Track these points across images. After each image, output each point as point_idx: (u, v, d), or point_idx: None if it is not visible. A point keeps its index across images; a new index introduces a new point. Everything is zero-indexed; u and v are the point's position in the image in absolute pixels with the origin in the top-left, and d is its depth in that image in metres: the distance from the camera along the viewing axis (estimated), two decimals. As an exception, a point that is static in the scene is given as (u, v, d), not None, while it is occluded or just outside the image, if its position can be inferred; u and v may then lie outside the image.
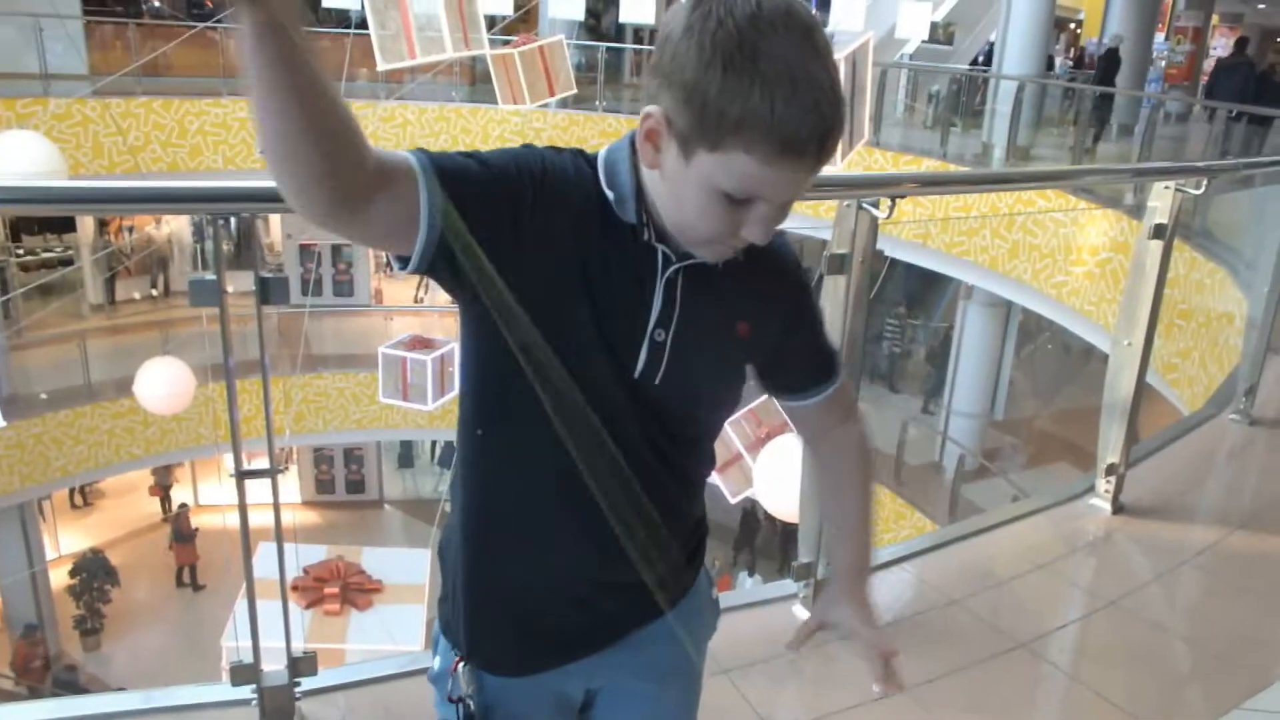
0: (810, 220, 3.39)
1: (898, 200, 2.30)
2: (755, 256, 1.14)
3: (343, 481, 16.73)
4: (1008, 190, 9.33)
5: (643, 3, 12.29)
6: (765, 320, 1.21)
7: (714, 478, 5.62)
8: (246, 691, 2.12)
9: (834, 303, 2.42)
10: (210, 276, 1.79)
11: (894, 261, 13.74)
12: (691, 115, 0.99)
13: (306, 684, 2.17)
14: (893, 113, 13.54)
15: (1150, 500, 3.47)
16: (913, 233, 11.20)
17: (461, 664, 1.28)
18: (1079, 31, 24.76)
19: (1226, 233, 7.65)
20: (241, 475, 1.98)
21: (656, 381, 1.13)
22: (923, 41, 14.72)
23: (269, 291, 1.84)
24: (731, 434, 5.57)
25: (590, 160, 1.12)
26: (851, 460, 1.36)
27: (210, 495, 15.33)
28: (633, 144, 1.10)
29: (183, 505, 14.52)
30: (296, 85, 0.87)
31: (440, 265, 1.03)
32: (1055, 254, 10.00)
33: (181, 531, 13.64)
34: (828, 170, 1.09)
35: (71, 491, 14.64)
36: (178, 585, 13.73)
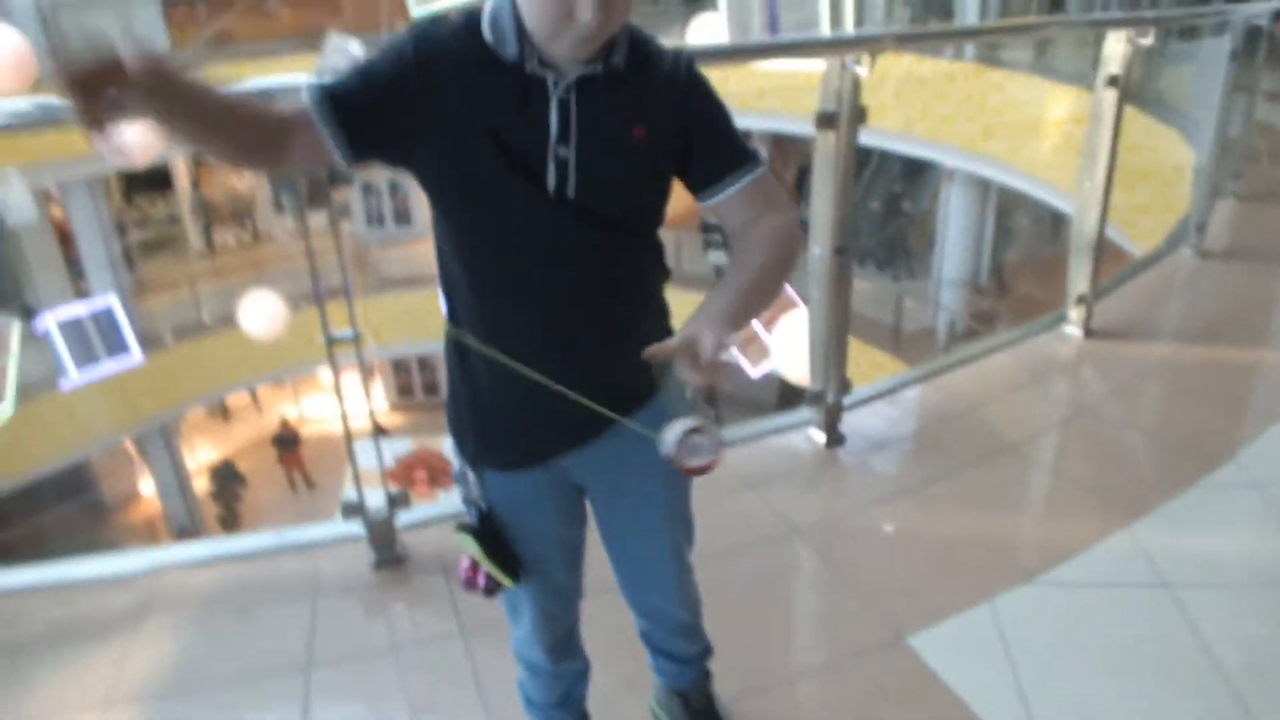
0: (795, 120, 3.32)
1: (877, 57, 2.24)
2: (643, 69, 1.13)
3: (420, 386, 16.94)
4: (978, 40, 9.06)
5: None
6: (660, 121, 1.14)
7: (735, 355, 5.65)
8: (359, 528, 2.20)
9: (825, 155, 2.39)
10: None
11: (885, 154, 13.50)
12: None
13: (404, 518, 2.24)
14: (874, 14, 13.07)
15: (1117, 325, 3.45)
16: (896, 124, 10.93)
17: (469, 472, 1.31)
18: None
19: (1180, 99, 7.40)
20: (330, 341, 2.01)
21: (571, 195, 1.11)
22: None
23: (335, 174, 1.85)
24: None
25: (474, 16, 1.10)
26: (764, 236, 1.18)
27: (311, 408, 15.61)
28: None
29: (282, 419, 14.74)
30: (193, 130, 1.03)
31: (367, 158, 1.12)
32: (1025, 132, 9.73)
33: (284, 438, 13.87)
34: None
35: (222, 407, 14.94)
36: (291, 489, 14.01)
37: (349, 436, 2.19)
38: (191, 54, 10.19)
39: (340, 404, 2.10)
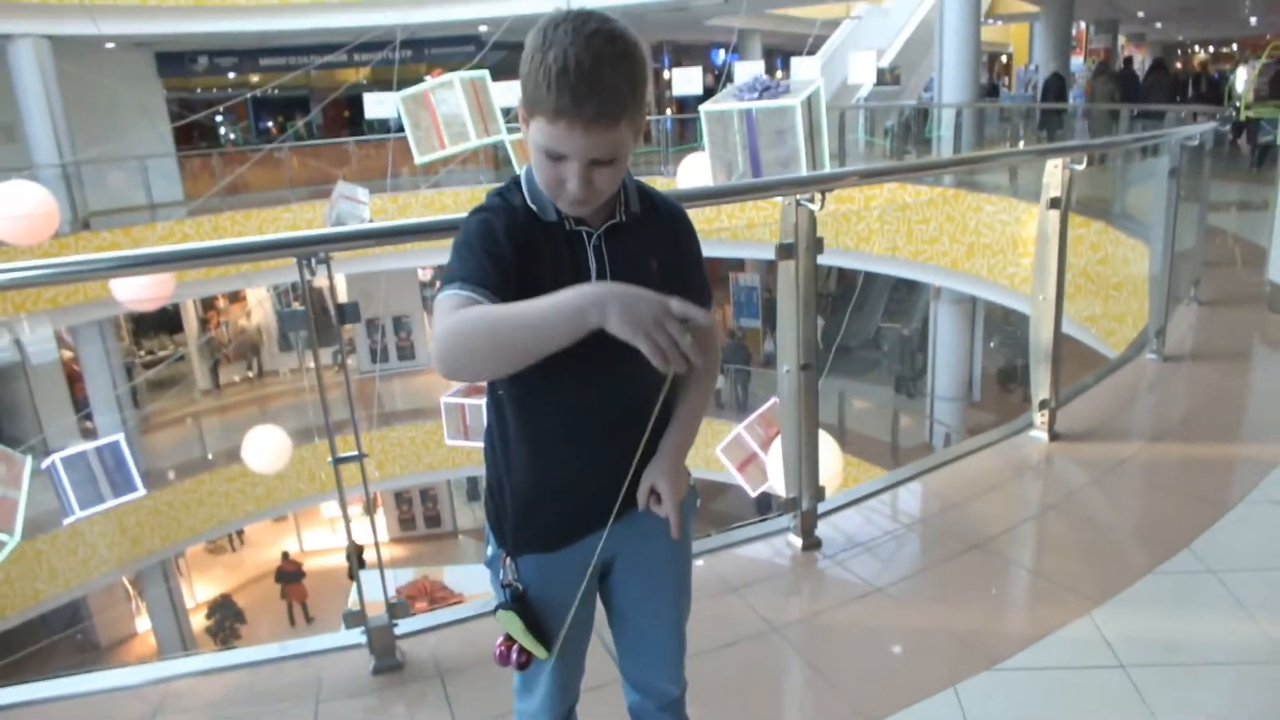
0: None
1: (827, 194, 2.52)
2: (651, 215, 1.40)
3: (421, 518, 16.99)
4: (913, 177, 9.64)
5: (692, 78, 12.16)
6: (665, 254, 1.41)
7: (737, 477, 5.80)
8: (359, 636, 2.35)
9: (786, 282, 2.64)
10: (300, 309, 2.02)
11: (873, 275, 13.94)
12: (522, 98, 1.26)
13: (403, 626, 2.39)
14: (855, 148, 13.75)
15: (1082, 428, 3.64)
16: (883, 247, 11.38)
17: (507, 558, 1.49)
18: (1008, 62, 24.92)
19: (1143, 213, 7.80)
20: (337, 461, 2.21)
21: None
22: (874, 85, 14.93)
23: (345, 314, 2.09)
24: (746, 437, 5.76)
25: (508, 192, 1.36)
26: (698, 381, 1.47)
27: (313, 541, 15.61)
28: None
29: (284, 552, 14.76)
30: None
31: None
32: (1005, 249, 10.14)
33: (287, 572, 13.86)
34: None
35: (230, 538, 14.97)
36: (290, 624, 13.89)
37: (352, 554, 2.36)
38: (204, 203, 10.68)
39: (345, 516, 2.28)
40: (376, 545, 2.36)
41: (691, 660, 2.16)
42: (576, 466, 1.42)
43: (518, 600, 1.48)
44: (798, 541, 2.84)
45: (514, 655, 1.48)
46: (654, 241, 1.41)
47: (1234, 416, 3.87)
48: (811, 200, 2.55)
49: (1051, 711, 2.10)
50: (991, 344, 14.45)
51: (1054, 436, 3.53)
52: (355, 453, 2.23)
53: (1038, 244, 3.46)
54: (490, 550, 1.53)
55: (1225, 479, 3.21)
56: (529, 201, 1.34)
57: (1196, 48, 33.15)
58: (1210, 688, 2.15)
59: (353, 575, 2.32)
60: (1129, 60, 14.54)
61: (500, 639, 1.49)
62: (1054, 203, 3.33)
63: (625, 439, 1.37)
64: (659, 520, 1.41)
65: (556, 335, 1.13)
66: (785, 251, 2.62)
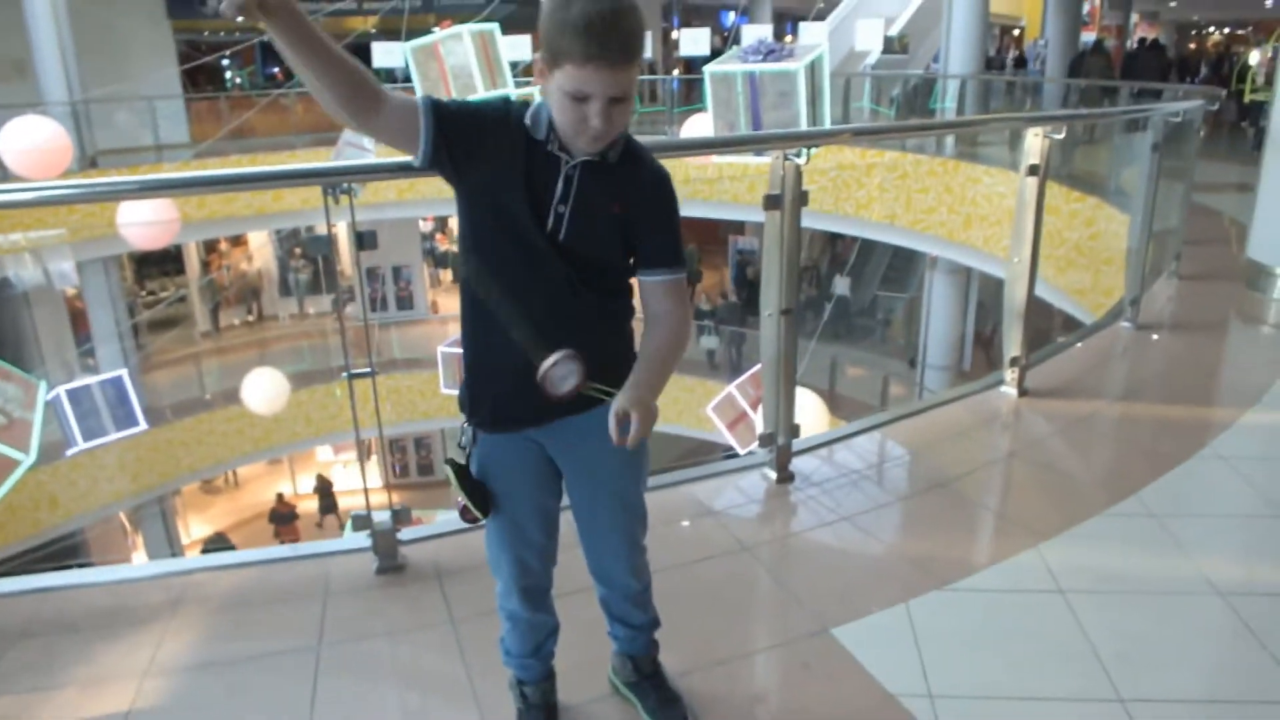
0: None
1: (812, 150, 2.70)
2: (631, 164, 1.59)
3: (415, 465, 17.27)
4: (875, 142, 10.02)
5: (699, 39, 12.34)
6: (633, 205, 1.58)
7: (726, 435, 6.01)
8: (364, 539, 2.57)
9: (771, 232, 2.84)
10: (323, 234, 2.22)
11: (872, 243, 14.10)
12: (545, 51, 1.46)
13: (406, 533, 2.62)
14: (860, 115, 13.83)
15: (1050, 386, 3.86)
16: (881, 214, 11.54)
17: (466, 423, 1.72)
18: (1020, 35, 24.86)
19: (1133, 188, 7.96)
20: (351, 376, 2.42)
21: (562, 238, 1.56)
22: (882, 53, 14.98)
23: (363, 241, 2.28)
24: (737, 396, 5.96)
25: (521, 109, 1.57)
26: (667, 328, 1.62)
27: (306, 485, 15.88)
28: None
29: (279, 494, 15.07)
30: (306, 55, 1.40)
31: (439, 163, 1.56)
32: (1001, 221, 10.29)
33: (280, 514, 14.15)
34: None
35: (225, 478, 15.28)
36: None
37: (361, 448, 2.56)
38: (211, 146, 10.80)
39: (353, 412, 2.49)
40: (383, 446, 2.57)
41: (669, 571, 2.42)
42: (510, 360, 1.58)
43: (465, 461, 1.72)
44: (773, 475, 3.06)
45: (463, 510, 1.72)
46: (624, 188, 1.59)
47: (1196, 382, 4.09)
48: (798, 155, 2.73)
49: (991, 626, 2.33)
50: (988, 322, 14.65)
51: (1023, 392, 3.74)
52: (366, 367, 2.43)
53: (1016, 209, 3.64)
54: (463, 419, 1.75)
55: (1180, 436, 3.42)
56: (526, 120, 1.56)
57: (1212, 29, 33.02)
58: (1139, 612, 2.37)
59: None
60: (1143, 40, 14.53)
61: (459, 498, 1.73)
62: (1032, 170, 3.51)
63: (558, 348, 1.53)
64: (601, 430, 1.51)
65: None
66: (772, 202, 2.81)
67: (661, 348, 1.62)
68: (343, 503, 14.78)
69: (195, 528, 14.83)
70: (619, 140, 1.57)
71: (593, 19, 1.39)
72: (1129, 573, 2.55)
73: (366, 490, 2.57)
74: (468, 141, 1.55)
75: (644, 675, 1.99)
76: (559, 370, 1.48)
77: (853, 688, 2.10)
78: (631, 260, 1.64)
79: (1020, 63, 19.31)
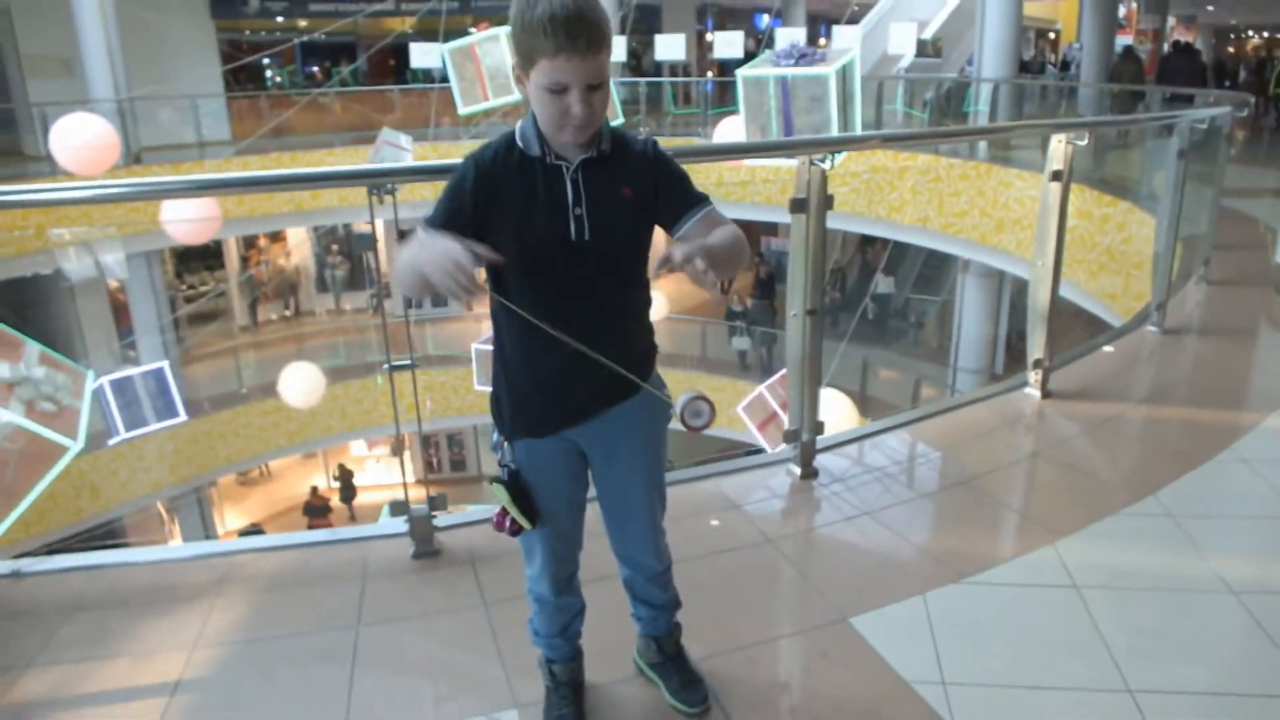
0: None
1: (835, 155, 2.78)
2: (622, 149, 1.68)
3: (447, 461, 17.46)
4: (907, 145, 9.91)
5: (675, 44, 12.71)
6: (639, 183, 1.68)
7: (756, 435, 6.07)
8: (401, 524, 2.68)
9: (798, 234, 2.91)
10: (368, 232, 2.32)
11: (905, 246, 14.08)
12: (519, 55, 1.57)
13: (441, 520, 2.72)
14: (894, 119, 13.83)
15: (1074, 388, 3.90)
16: (914, 218, 11.54)
17: (505, 442, 1.81)
18: (1056, 39, 24.66)
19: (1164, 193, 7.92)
20: (392, 369, 2.52)
21: (587, 239, 1.65)
22: (916, 57, 14.97)
23: (403, 237, 2.38)
24: (768, 397, 6.04)
25: (510, 135, 1.67)
26: (722, 228, 1.66)
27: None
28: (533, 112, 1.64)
29: (313, 487, 15.30)
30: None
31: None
32: (1032, 225, 10.25)
33: (314, 507, 14.38)
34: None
35: (260, 470, 15.58)
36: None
37: (400, 439, 2.67)
38: (252, 143, 11.02)
39: (394, 404, 2.60)
40: (421, 434, 2.68)
41: (693, 561, 2.51)
42: (556, 366, 1.71)
43: (511, 477, 1.80)
44: (797, 470, 3.13)
45: (507, 524, 1.82)
46: (626, 172, 1.69)
47: (1220, 386, 4.10)
48: (824, 160, 2.81)
49: (1005, 618, 2.39)
50: (1022, 325, 14.56)
51: (1046, 394, 3.79)
52: (408, 361, 2.54)
53: (1039, 213, 3.69)
54: (495, 437, 1.84)
55: (1201, 439, 3.45)
56: (518, 141, 1.66)
57: (1250, 32, 32.54)
58: (1150, 606, 2.43)
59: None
60: (1176, 44, 14.46)
61: (497, 509, 1.82)
62: (1055, 175, 3.56)
63: (598, 349, 1.66)
64: (629, 420, 1.76)
65: (413, 281, 1.52)
66: (798, 206, 2.88)
67: (725, 233, 1.64)
68: (373, 497, 15.01)
69: (230, 519, 15.11)
70: (604, 132, 1.66)
71: (557, 13, 1.50)
72: (1144, 570, 2.60)
73: (405, 478, 2.67)
74: (472, 216, 1.64)
75: (668, 657, 2.08)
76: (692, 407, 1.62)
77: (869, 675, 2.17)
78: (649, 249, 1.75)
79: (1065, 66, 19.19)
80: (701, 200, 1.72)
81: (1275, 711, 2.06)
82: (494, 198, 1.65)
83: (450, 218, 1.63)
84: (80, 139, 7.04)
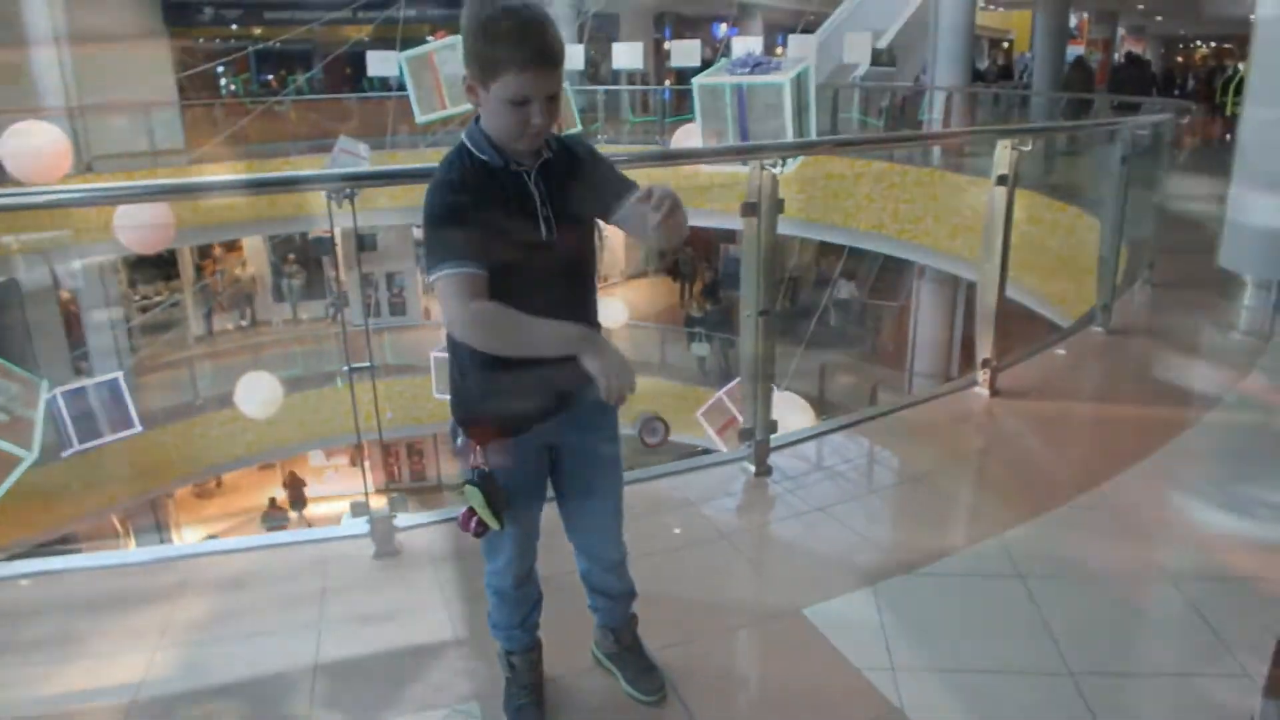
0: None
1: (786, 160, 2.86)
2: (570, 153, 1.77)
3: (407, 471, 17.35)
4: (861, 152, 10.05)
5: (633, 52, 12.87)
6: (585, 174, 1.77)
7: (715, 440, 6.14)
8: (363, 525, 2.71)
9: (749, 236, 2.99)
10: (328, 236, 2.36)
11: (861, 253, 14.28)
12: (477, 69, 1.62)
13: (401, 520, 2.75)
14: (849, 126, 14.04)
15: (1022, 387, 4.01)
16: (869, 224, 11.72)
17: (477, 445, 1.82)
18: (1009, 48, 25.17)
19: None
20: (351, 370, 2.56)
21: (555, 237, 1.73)
22: (871, 66, 15.21)
23: (364, 243, 2.42)
24: (726, 401, 6.13)
25: (456, 159, 1.70)
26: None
27: (296, 489, 15.93)
28: (477, 121, 1.70)
29: (272, 498, 15.15)
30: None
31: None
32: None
33: (274, 517, 14.24)
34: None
35: (217, 480, 15.40)
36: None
37: (360, 449, 2.71)
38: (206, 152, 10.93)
39: (354, 408, 2.63)
40: (381, 435, 2.71)
41: (650, 557, 2.57)
42: (529, 365, 1.72)
43: (484, 479, 1.82)
44: (752, 469, 3.20)
45: (473, 524, 1.84)
46: (573, 170, 1.77)
47: (1161, 385, 4.26)
48: (775, 165, 2.89)
49: (952, 607, 2.48)
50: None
51: (994, 393, 3.89)
52: (367, 363, 2.58)
53: (986, 216, 3.80)
54: (460, 441, 1.87)
55: (1142, 436, 3.58)
56: (478, 154, 1.71)
57: (1198, 42, 33.41)
58: (1091, 594, 2.53)
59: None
60: (1129, 54, 14.90)
61: (464, 509, 1.85)
62: (1001, 180, 3.68)
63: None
64: (595, 417, 1.85)
65: (555, 349, 1.63)
66: (749, 209, 2.96)
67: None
68: (334, 508, 14.89)
69: (188, 531, 14.90)
70: (550, 139, 1.75)
71: (524, 31, 1.57)
72: (1086, 559, 2.70)
73: (365, 479, 2.71)
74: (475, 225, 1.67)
75: (624, 647, 2.14)
76: (649, 426, 1.69)
77: (821, 662, 2.25)
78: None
79: (1006, 74, 19.59)
80: (634, 184, 1.79)
81: (1207, 690, 2.16)
82: (479, 209, 1.69)
83: (471, 246, 1.64)
84: (30, 146, 6.96)
